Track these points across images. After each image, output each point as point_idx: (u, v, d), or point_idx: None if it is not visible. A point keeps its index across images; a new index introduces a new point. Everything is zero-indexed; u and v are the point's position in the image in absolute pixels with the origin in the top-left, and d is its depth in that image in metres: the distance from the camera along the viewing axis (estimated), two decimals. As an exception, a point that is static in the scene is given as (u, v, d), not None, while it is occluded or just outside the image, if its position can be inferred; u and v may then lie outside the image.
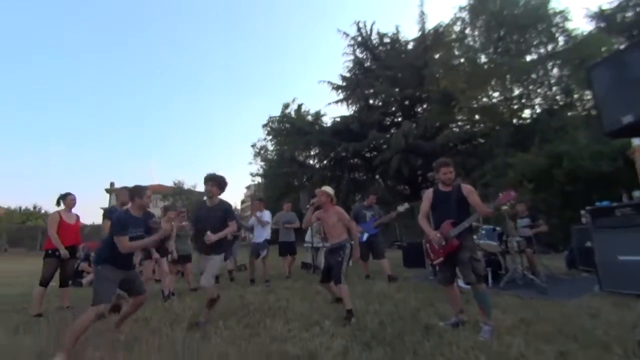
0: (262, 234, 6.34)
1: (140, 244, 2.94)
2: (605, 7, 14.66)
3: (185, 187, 26.69)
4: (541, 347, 2.33)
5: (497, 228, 5.17)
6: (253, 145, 27.63)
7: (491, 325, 2.69)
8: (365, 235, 5.95)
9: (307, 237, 7.82)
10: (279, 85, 63.04)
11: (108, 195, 34.12)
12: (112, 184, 34.87)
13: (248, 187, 38.30)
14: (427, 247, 3.19)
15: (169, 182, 28.14)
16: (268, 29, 67.79)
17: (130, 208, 3.09)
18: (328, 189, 3.78)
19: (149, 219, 3.13)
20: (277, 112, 24.95)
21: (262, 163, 27.35)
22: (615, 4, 14.42)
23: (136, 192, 3.06)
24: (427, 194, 3.15)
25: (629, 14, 14.17)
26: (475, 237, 4.35)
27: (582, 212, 5.28)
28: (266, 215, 6.52)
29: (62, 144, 67.67)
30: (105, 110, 69.33)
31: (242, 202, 41.57)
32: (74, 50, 68.19)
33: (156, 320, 3.63)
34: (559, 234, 8.56)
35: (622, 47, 12.46)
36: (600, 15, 14.85)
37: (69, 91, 67.48)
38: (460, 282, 3.58)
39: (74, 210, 4.65)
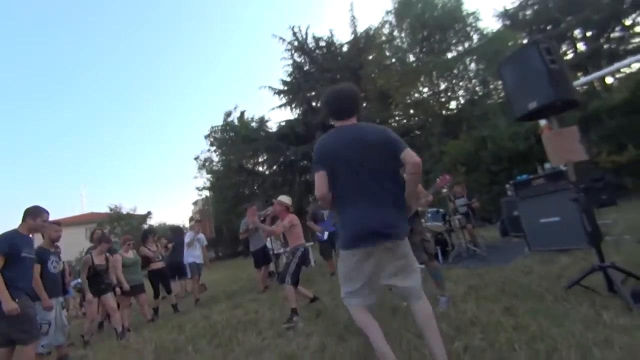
0: (200, 254, 6.66)
1: None
2: (509, 6, 17.01)
3: (124, 211, 24.43)
4: (490, 307, 2.65)
5: (441, 210, 5.69)
6: (196, 158, 26.38)
7: (446, 297, 2.98)
8: (326, 234, 6.05)
9: (267, 244, 7.76)
10: (218, 94, 60.87)
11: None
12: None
13: (195, 203, 36.29)
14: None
15: (104, 209, 25.53)
16: (198, 36, 65.03)
17: (19, 229, 2.92)
18: (284, 199, 3.87)
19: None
20: (219, 122, 24.15)
21: (209, 175, 26.25)
22: (517, 3, 16.81)
23: (30, 212, 2.92)
24: None
25: (528, 12, 16.61)
26: (422, 220, 4.74)
27: (507, 186, 6.06)
28: (202, 238, 6.89)
29: (-41, 179, 57.07)
30: (11, 138, 60.17)
31: (191, 219, 39.32)
32: (-36, 69, 58.09)
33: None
34: (490, 207, 9.66)
35: (522, 42, 14.55)
36: (505, 14, 17.15)
37: (-38, 117, 57.31)
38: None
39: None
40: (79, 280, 5.64)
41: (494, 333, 2.15)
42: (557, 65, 2.52)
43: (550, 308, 2.40)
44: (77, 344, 4.61)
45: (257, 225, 4.48)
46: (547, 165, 4.96)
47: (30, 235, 3.01)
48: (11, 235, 2.82)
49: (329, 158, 1.82)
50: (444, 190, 5.39)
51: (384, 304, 3.38)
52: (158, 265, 5.88)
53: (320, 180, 1.80)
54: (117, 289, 4.81)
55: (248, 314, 4.17)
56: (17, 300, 2.61)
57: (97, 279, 4.57)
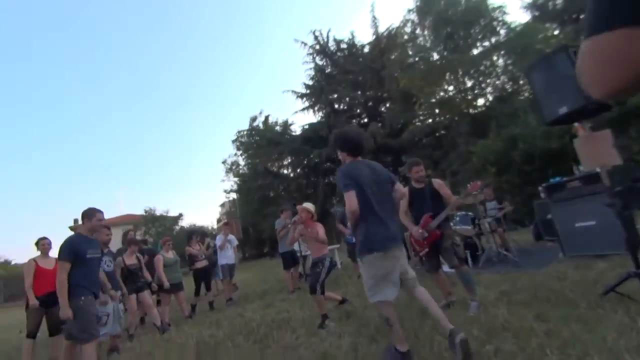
0: (232, 255, 6.76)
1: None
2: (538, -4, 16.25)
3: (157, 213, 25.71)
4: (522, 312, 2.67)
5: (469, 213, 5.63)
6: (224, 162, 27.30)
7: (477, 301, 3.01)
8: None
9: (295, 246, 7.97)
10: (243, 100, 62.60)
11: (73, 233, 32.00)
12: (75, 221, 32.80)
13: (222, 205, 37.48)
14: (410, 242, 3.48)
15: (139, 211, 27.01)
16: (225, 46, 67.14)
17: (81, 231, 3.16)
18: (309, 206, 3.94)
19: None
20: (245, 126, 24.88)
21: (236, 179, 27.07)
22: (546, -7, 16.02)
23: (86, 214, 3.13)
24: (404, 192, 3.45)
25: (558, 1, 15.76)
26: (451, 224, 4.74)
27: (540, 188, 5.88)
28: (233, 239, 6.97)
29: (11, 184, 62.44)
30: (58, 144, 65.02)
31: (218, 220, 40.64)
32: (21, 75, 63.59)
33: (160, 354, 3.62)
34: (523, 209, 9.33)
35: (554, 34, 13.87)
36: (534, 5, 16.40)
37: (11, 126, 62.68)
38: (445, 268, 3.91)
39: (50, 254, 4.51)
40: None
41: (525, 338, 2.19)
42: (588, 70, 2.50)
43: (583, 314, 2.39)
44: (122, 337, 5.01)
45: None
46: (582, 167, 4.80)
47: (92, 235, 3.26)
48: (73, 240, 3.07)
49: (357, 181, 2.29)
50: (475, 194, 5.34)
51: (412, 307, 3.46)
52: (202, 263, 6.23)
53: (352, 198, 2.24)
54: (154, 286, 5.17)
55: (280, 313, 4.36)
56: (82, 298, 2.91)
57: (133, 278, 4.91)
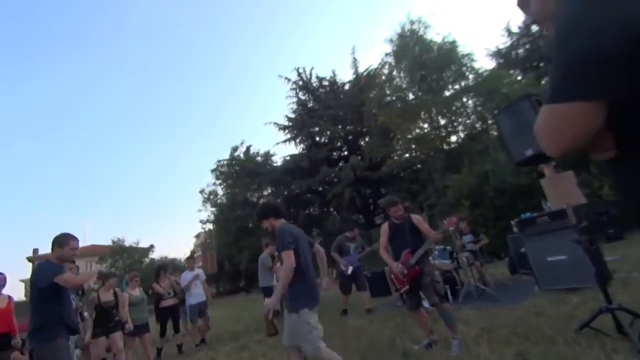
0: (201, 292, 6.19)
1: None
2: (501, 46, 18.00)
3: (126, 244, 24.26)
4: (503, 350, 2.65)
5: (448, 247, 5.71)
6: (201, 192, 26.67)
7: (459, 339, 2.97)
8: (350, 269, 5.89)
9: (261, 284, 7.63)
10: (224, 130, 62.93)
11: (30, 264, 29.40)
12: (35, 251, 30.24)
13: (197, 236, 36.04)
14: (391, 278, 3.45)
15: (107, 241, 25.42)
16: (207, 72, 68.48)
17: (51, 258, 2.80)
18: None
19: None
20: (225, 156, 24.75)
21: (213, 209, 26.36)
22: (509, 43, 17.78)
23: (57, 241, 2.80)
24: (384, 228, 3.47)
25: (520, 50, 17.51)
26: (430, 258, 4.77)
27: (512, 222, 6.11)
28: (201, 273, 6.47)
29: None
30: (17, 166, 61.44)
31: (192, 252, 38.88)
32: (-17, 107, 60.84)
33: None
34: (498, 242, 9.58)
35: (517, 79, 15.20)
36: (498, 54, 18.10)
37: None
38: (426, 304, 3.87)
39: (4, 291, 4.11)
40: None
41: (507, 378, 2.16)
42: (549, 115, 2.73)
43: (562, 352, 2.40)
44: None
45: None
46: (548, 204, 5.06)
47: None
48: (46, 266, 2.65)
49: (297, 241, 2.55)
50: (451, 229, 5.47)
51: (394, 347, 3.35)
52: (169, 302, 5.77)
53: (292, 255, 2.44)
54: (128, 326, 4.71)
55: (255, 358, 4.10)
56: (57, 341, 2.48)
57: (105, 318, 4.48)
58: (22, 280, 25.14)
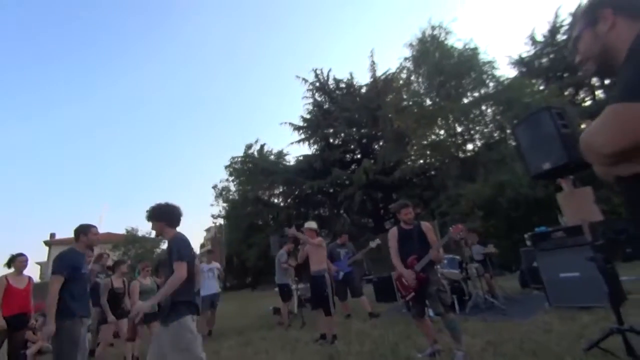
0: (215, 285, 6.56)
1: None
2: (524, 55, 17.61)
3: (140, 233, 24.87)
4: (507, 366, 2.61)
5: (457, 257, 5.63)
6: (214, 187, 27.10)
7: (463, 351, 2.94)
8: (341, 274, 6.01)
9: (277, 280, 7.72)
10: (239, 127, 63.75)
11: (47, 248, 30.47)
12: (52, 235, 31.35)
13: (208, 230, 36.56)
14: (397, 284, 3.43)
15: (121, 230, 26.13)
16: (229, 72, 69.51)
17: (76, 247, 3.06)
18: (312, 225, 4.54)
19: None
20: (239, 153, 25.10)
21: (225, 204, 26.73)
22: (532, 52, 17.38)
23: (81, 230, 3.06)
24: (393, 233, 3.46)
25: (544, 60, 17.08)
26: (439, 266, 4.72)
27: (526, 236, 5.98)
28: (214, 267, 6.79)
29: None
30: (39, 152, 63.83)
31: (202, 245, 39.54)
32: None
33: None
34: (510, 255, 9.38)
35: (539, 89, 14.83)
36: (521, 62, 17.72)
37: None
38: (431, 313, 3.84)
39: (24, 272, 4.30)
40: None
41: (510, 394, 2.13)
42: (569, 129, 2.69)
43: (569, 371, 2.35)
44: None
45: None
46: (564, 219, 4.93)
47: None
48: (70, 254, 2.94)
49: (192, 255, 2.56)
50: (458, 236, 5.41)
51: (397, 353, 3.34)
52: None
53: (184, 267, 2.38)
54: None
55: (258, 354, 4.15)
56: (67, 321, 2.71)
57: (115, 303, 4.68)
58: (39, 263, 26.09)
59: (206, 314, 6.18)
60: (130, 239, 23.96)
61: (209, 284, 6.37)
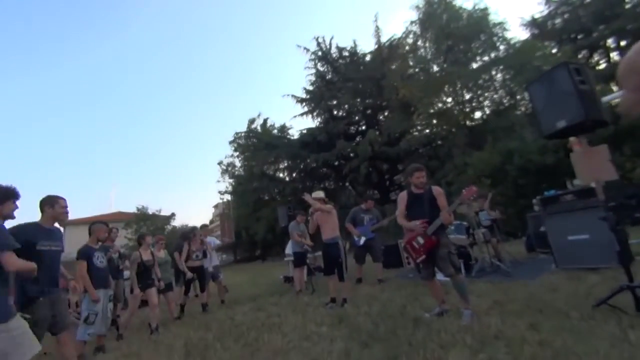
0: (213, 258, 6.67)
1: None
2: (537, 16, 16.66)
3: (150, 212, 25.39)
4: (514, 322, 2.67)
5: (464, 223, 5.66)
6: (220, 163, 27.16)
7: (470, 310, 3.01)
8: (363, 239, 5.92)
9: (288, 250, 7.87)
10: (242, 102, 62.77)
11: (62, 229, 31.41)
12: (65, 215, 32.15)
13: (216, 206, 37.18)
14: (407, 248, 3.43)
15: (132, 209, 26.66)
16: (228, 45, 67.44)
17: (40, 220, 2.77)
18: (320, 194, 4.67)
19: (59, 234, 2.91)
20: (242, 128, 24.87)
21: (231, 180, 26.92)
22: (546, 12, 16.43)
23: (47, 201, 2.78)
24: (402, 196, 3.44)
25: (557, 20, 16.16)
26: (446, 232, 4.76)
27: (534, 201, 5.94)
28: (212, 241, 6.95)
29: None
30: (48, 136, 64.16)
31: (211, 221, 40.36)
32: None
33: (147, 355, 3.54)
34: (516, 222, 9.42)
35: (552, 52, 14.16)
36: (534, 23, 16.80)
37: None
38: (439, 276, 3.91)
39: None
40: None
41: (518, 347, 2.19)
42: (587, 85, 2.56)
43: (575, 326, 2.40)
44: (109, 336, 4.86)
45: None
46: (576, 182, 4.87)
47: (56, 225, 2.87)
48: (26, 228, 2.65)
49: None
50: (474, 203, 5.40)
51: (405, 314, 3.45)
52: (196, 263, 5.98)
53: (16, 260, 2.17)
54: (161, 284, 5.11)
55: (271, 317, 4.31)
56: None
57: (145, 274, 4.87)
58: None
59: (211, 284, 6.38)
60: (141, 217, 24.50)
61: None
